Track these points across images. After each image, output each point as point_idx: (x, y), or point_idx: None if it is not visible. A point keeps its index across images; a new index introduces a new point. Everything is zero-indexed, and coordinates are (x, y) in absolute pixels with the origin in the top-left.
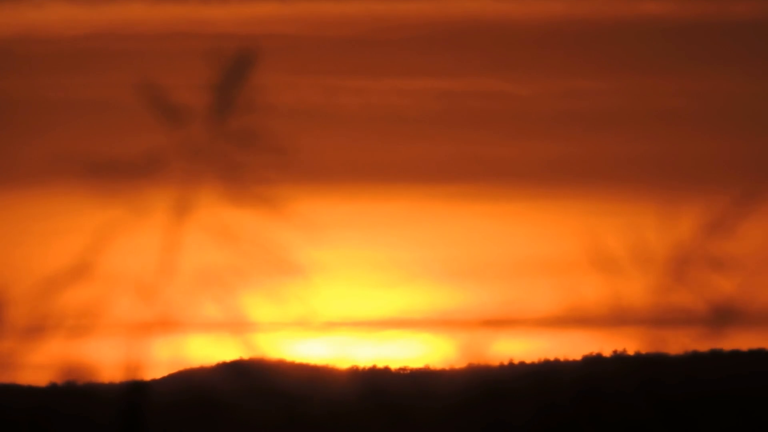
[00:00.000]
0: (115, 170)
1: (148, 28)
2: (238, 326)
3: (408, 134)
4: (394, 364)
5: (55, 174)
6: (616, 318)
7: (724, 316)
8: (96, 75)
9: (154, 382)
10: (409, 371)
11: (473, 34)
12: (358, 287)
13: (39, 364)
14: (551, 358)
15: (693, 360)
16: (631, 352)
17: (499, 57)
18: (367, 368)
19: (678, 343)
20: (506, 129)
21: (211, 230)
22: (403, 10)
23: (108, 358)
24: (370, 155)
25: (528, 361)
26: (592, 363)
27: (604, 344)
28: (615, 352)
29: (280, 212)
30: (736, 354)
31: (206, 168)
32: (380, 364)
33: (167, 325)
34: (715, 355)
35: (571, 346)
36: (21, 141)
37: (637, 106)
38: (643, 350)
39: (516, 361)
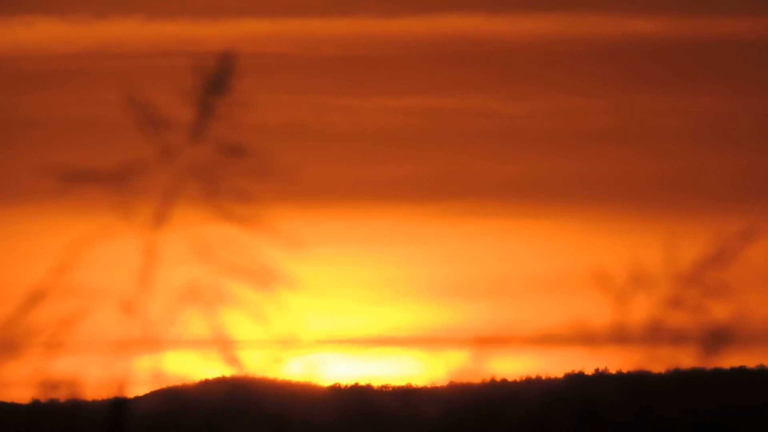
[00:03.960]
0: (93, 181)
1: (138, 47)
2: (223, 343)
3: (396, 152)
4: (377, 383)
5: (41, 192)
6: (610, 336)
7: (719, 336)
8: (86, 93)
9: (136, 400)
10: (391, 389)
11: (461, 52)
12: (344, 305)
13: (19, 381)
14: (543, 376)
15: (691, 379)
16: (631, 370)
17: (488, 76)
18: (349, 386)
19: (673, 362)
20: (495, 147)
21: (193, 245)
22: (391, 29)
23: (90, 374)
24: (358, 173)
25: (518, 379)
26: (586, 383)
27: (600, 363)
28: (618, 371)
29: (264, 228)
30: (738, 372)
31: (188, 182)
32: (363, 383)
33: (150, 341)
34: (717, 375)
35: (561, 365)
36: (9, 159)
37: (627, 124)
38: (643, 369)
39: (505, 380)
